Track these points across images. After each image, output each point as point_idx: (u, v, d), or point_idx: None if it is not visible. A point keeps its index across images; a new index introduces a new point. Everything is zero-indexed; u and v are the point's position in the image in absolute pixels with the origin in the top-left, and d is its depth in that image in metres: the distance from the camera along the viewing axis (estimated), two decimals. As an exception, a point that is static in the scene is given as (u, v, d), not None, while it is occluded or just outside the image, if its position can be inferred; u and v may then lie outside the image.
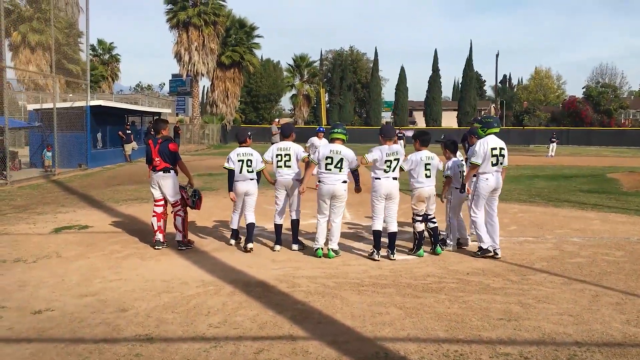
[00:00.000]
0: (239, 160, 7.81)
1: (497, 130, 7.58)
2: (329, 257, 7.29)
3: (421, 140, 7.64)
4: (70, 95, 28.54)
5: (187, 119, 47.70)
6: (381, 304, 5.37)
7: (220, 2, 44.76)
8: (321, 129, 14.11)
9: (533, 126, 62.68)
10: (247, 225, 7.88)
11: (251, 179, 7.88)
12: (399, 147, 7.46)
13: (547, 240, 8.54)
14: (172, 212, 7.85)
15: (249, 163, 7.82)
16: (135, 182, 16.25)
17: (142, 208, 11.25)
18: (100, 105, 23.35)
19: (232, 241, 8.16)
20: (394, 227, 7.37)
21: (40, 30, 33.88)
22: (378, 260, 7.19)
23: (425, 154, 7.54)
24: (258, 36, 51.17)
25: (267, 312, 5.12)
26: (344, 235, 8.82)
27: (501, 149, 7.41)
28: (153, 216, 7.83)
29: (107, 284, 6.02)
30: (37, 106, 22.13)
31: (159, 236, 7.76)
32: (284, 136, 8.12)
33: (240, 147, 7.98)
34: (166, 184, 7.77)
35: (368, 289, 5.86)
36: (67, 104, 22.53)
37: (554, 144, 34.44)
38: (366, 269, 6.75)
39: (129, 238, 8.50)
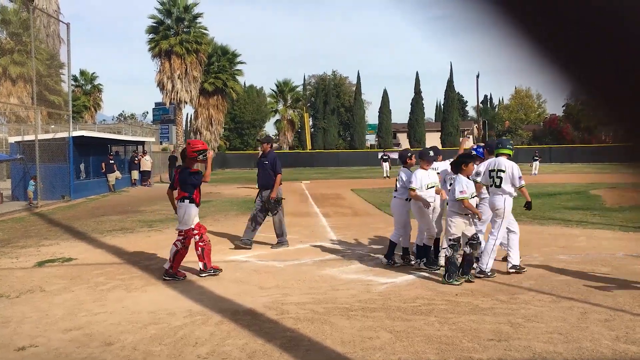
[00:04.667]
0: (397, 180, 8.44)
1: (508, 151, 7.75)
2: None
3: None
4: (52, 126, 28.38)
5: (172, 147, 47.60)
6: (371, 328, 5.33)
7: (202, 30, 45.06)
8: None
9: (515, 145, 63.32)
10: None
11: (394, 197, 8.39)
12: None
13: (534, 258, 8.57)
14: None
15: (398, 183, 8.38)
16: (120, 213, 16.08)
17: (127, 239, 11.13)
18: (83, 135, 23.21)
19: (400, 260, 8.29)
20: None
21: (22, 62, 33.77)
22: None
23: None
24: (240, 63, 51.42)
25: (256, 340, 5.05)
26: (332, 259, 8.78)
27: (499, 170, 7.55)
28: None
29: (92, 317, 5.91)
30: (19, 138, 21.94)
31: (200, 265, 7.78)
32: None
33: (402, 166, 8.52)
34: (179, 213, 7.88)
35: (357, 314, 5.82)
36: (49, 136, 22.37)
37: (537, 162, 34.88)
38: (355, 293, 6.71)
39: (114, 269, 8.38)
